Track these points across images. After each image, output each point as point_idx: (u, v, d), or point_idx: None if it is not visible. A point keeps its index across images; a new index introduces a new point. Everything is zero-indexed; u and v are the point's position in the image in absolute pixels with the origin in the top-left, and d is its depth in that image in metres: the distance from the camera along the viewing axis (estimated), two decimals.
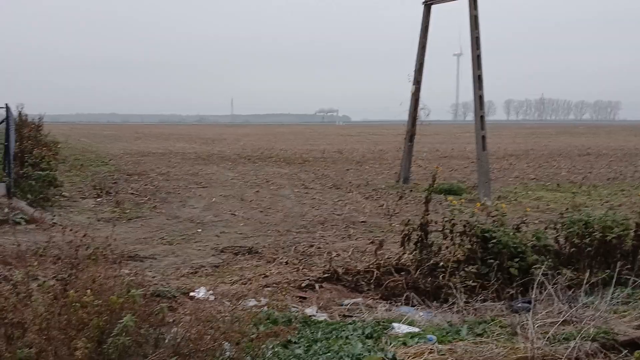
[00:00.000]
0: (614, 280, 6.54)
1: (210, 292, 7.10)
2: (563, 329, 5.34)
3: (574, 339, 4.97)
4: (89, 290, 3.86)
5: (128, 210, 13.88)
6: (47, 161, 17.67)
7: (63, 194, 15.40)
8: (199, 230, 11.87)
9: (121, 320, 3.56)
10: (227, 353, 4.03)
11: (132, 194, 16.77)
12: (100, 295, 3.87)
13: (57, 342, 3.57)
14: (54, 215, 12.20)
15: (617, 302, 6.26)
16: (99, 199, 15.37)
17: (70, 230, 7.54)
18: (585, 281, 6.49)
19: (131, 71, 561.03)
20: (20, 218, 11.44)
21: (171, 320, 4.39)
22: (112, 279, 4.21)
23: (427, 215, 7.91)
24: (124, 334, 3.53)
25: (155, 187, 18.51)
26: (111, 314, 3.71)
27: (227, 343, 4.02)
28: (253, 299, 6.80)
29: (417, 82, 20.36)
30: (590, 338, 5.09)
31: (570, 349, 4.73)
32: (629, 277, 6.98)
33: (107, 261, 4.80)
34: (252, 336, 4.17)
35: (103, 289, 4.02)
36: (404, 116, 21.11)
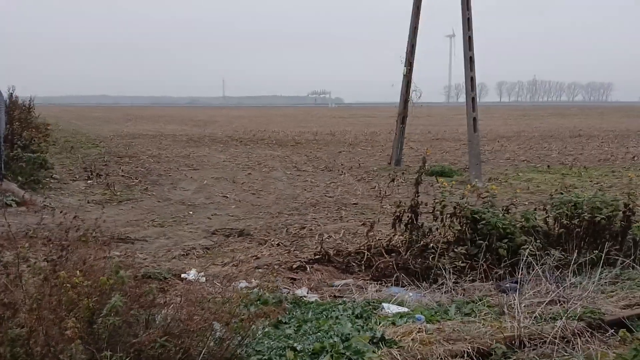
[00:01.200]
0: (602, 260, 6.61)
1: (201, 273, 7.13)
2: (550, 309, 5.41)
3: (561, 318, 5.03)
4: (79, 272, 3.88)
5: (119, 193, 13.86)
6: (38, 143, 17.60)
7: (54, 176, 15.35)
8: (190, 212, 11.88)
9: (111, 301, 3.58)
10: (218, 333, 4.06)
11: (122, 176, 16.73)
12: (91, 276, 3.89)
13: (48, 322, 3.59)
14: (45, 197, 12.17)
15: (605, 282, 6.33)
16: (89, 181, 15.33)
17: (61, 212, 7.54)
18: (573, 261, 6.56)
19: (122, 53, 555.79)
20: (11, 200, 11.41)
21: (162, 301, 4.41)
22: (102, 261, 4.23)
23: (418, 197, 7.95)
24: (113, 314, 3.55)
25: (146, 169, 18.46)
26: (101, 294, 3.73)
27: (217, 323, 4.06)
28: (244, 281, 6.84)
29: (409, 63, 20.31)
30: (577, 317, 5.16)
31: (556, 328, 4.79)
32: (617, 257, 7.05)
33: (97, 243, 4.82)
34: (242, 317, 4.20)
35: (93, 270, 4.03)
36: (397, 98, 21.09)
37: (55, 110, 61.68)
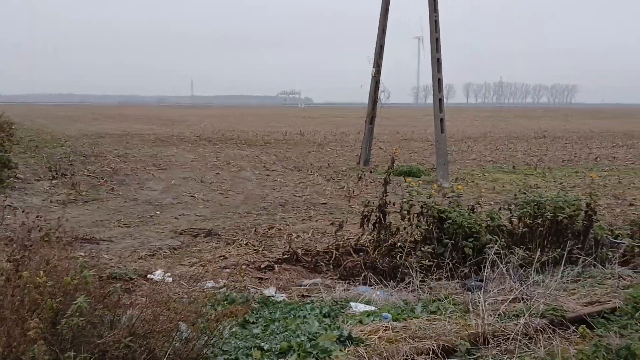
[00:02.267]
0: (564, 259, 6.75)
1: (168, 274, 7.06)
2: (514, 306, 5.52)
3: (524, 315, 5.13)
4: (42, 272, 3.82)
5: (84, 193, 13.64)
6: (1, 142, 17.20)
7: (17, 175, 15.02)
8: (158, 212, 11.76)
9: (75, 302, 3.54)
10: (184, 334, 4.04)
11: (88, 175, 16.48)
12: (54, 276, 3.83)
13: (10, 322, 3.53)
14: (6, 197, 11.91)
15: (567, 280, 6.48)
16: (54, 181, 15.06)
17: (24, 212, 7.40)
18: (536, 260, 6.70)
19: (89, 52, 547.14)
20: None
21: (127, 302, 4.37)
22: (65, 261, 4.17)
23: (386, 196, 8.01)
24: (77, 315, 3.51)
25: (113, 169, 18.22)
26: (65, 295, 3.68)
27: (183, 324, 4.04)
28: (211, 281, 6.81)
29: (378, 64, 20.43)
30: (539, 315, 5.27)
31: (519, 325, 4.88)
32: (579, 256, 7.22)
33: (60, 243, 4.75)
34: (209, 317, 4.18)
35: (57, 270, 3.98)
36: (366, 99, 21.19)
37: (20, 109, 60.45)
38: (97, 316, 3.80)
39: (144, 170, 18.30)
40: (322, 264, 7.78)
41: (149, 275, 6.96)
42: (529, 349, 4.57)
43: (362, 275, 7.12)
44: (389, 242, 7.71)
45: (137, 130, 38.15)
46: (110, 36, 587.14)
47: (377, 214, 7.99)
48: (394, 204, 8.20)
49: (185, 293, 5.22)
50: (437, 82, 17.39)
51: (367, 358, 4.37)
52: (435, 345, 4.58)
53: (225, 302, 5.63)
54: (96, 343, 3.63)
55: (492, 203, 11.75)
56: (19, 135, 25.60)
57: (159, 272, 7.09)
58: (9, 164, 15.05)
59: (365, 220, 8.07)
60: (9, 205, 11.16)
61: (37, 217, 6.37)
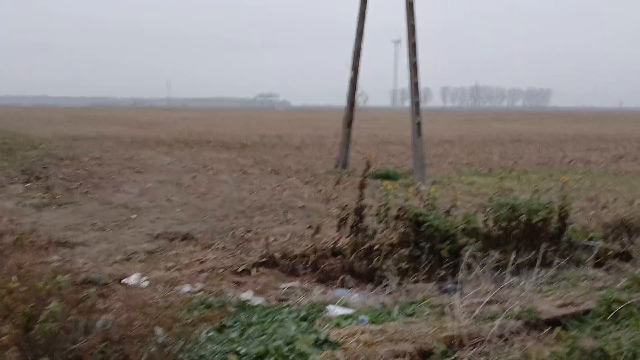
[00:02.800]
0: (539, 261, 6.84)
1: (144, 278, 7.00)
2: (489, 308, 5.57)
3: (499, 317, 5.19)
4: (15, 277, 3.77)
5: (59, 196, 13.45)
6: None
7: None
8: (133, 216, 11.64)
9: (48, 307, 3.49)
10: (160, 338, 4.01)
11: (63, 179, 16.24)
12: (27, 281, 3.78)
13: None
14: None
15: (542, 282, 6.56)
16: (28, 184, 14.82)
17: None
18: (511, 262, 6.77)
19: (62, 54, 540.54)
20: None
21: (102, 307, 4.33)
22: (39, 265, 4.12)
23: (362, 200, 8.05)
24: (51, 320, 3.47)
25: (88, 172, 17.99)
26: (38, 300, 3.64)
27: (159, 328, 4.01)
28: (188, 285, 6.76)
29: (355, 68, 20.49)
30: (514, 316, 5.33)
31: (494, 327, 4.93)
32: (553, 258, 7.33)
33: (34, 247, 4.68)
34: (185, 321, 4.16)
35: (30, 275, 3.93)
36: (344, 102, 21.24)
37: None
38: (71, 321, 3.75)
39: (119, 173, 18.10)
40: (300, 267, 7.79)
41: (124, 280, 6.88)
42: (504, 351, 4.61)
43: (340, 278, 7.14)
44: (367, 245, 7.74)
45: (113, 132, 37.73)
46: (84, 37, 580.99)
47: (354, 217, 8.02)
48: (370, 207, 8.23)
49: (162, 298, 5.19)
50: (414, 86, 17.49)
51: None
52: (412, 347, 4.61)
53: (201, 306, 5.60)
54: (70, 349, 3.59)
55: (469, 206, 11.84)
56: None
57: (134, 276, 7.02)
58: None
59: (342, 223, 8.10)
60: None
61: (9, 220, 6.26)
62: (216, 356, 4.51)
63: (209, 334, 4.84)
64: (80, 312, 3.88)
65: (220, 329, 5.15)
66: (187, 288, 6.59)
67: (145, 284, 6.72)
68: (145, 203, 13.17)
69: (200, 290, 6.46)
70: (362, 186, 8.22)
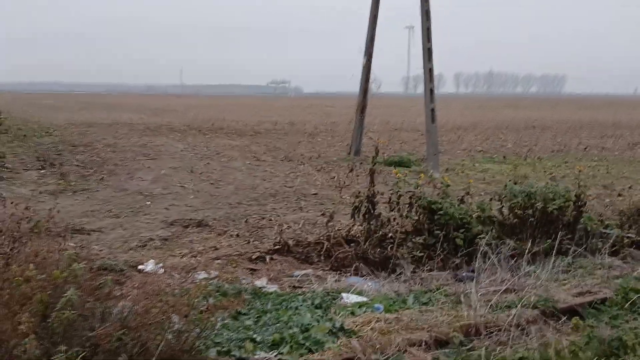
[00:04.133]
0: (555, 249, 6.79)
1: (159, 265, 7.04)
2: (505, 297, 5.54)
3: (516, 306, 5.16)
4: (31, 265, 3.78)
5: (73, 183, 13.54)
6: None
7: (5, 165, 14.90)
8: (148, 203, 11.69)
9: (65, 295, 3.50)
10: (176, 326, 4.01)
11: (77, 165, 16.35)
12: (44, 269, 3.79)
13: (0, 316, 3.50)
14: None
15: (558, 271, 6.51)
16: (42, 171, 14.93)
17: (12, 202, 7.32)
18: (527, 251, 6.73)
19: (75, 40, 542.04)
20: None
21: (119, 294, 4.34)
22: (55, 253, 4.13)
23: (373, 187, 8.01)
24: (68, 308, 3.48)
25: (102, 158, 18.09)
26: (55, 288, 3.65)
27: (175, 316, 4.01)
28: (203, 272, 6.78)
29: (369, 54, 20.37)
30: (531, 305, 5.29)
31: (511, 316, 4.90)
32: (569, 246, 7.26)
33: (50, 234, 4.71)
34: (201, 308, 4.16)
35: (47, 262, 3.94)
36: (356, 88, 21.15)
37: (6, 97, 59.81)
38: (88, 309, 3.76)
39: (133, 160, 18.18)
40: (313, 254, 7.78)
41: (140, 267, 6.92)
42: (521, 340, 4.59)
43: (354, 266, 7.13)
44: (380, 233, 7.72)
45: (126, 119, 37.85)
46: (98, 24, 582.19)
47: (367, 205, 7.99)
48: (383, 195, 8.20)
49: (177, 284, 5.20)
50: (428, 72, 17.37)
51: (360, 349, 4.36)
52: (427, 336, 4.59)
53: (217, 293, 5.61)
54: (88, 336, 3.61)
55: (483, 194, 11.79)
56: (7, 124, 25.34)
57: (150, 263, 7.05)
58: None
59: (356, 211, 8.07)
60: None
61: (26, 207, 6.29)
62: (232, 343, 4.52)
63: (225, 321, 4.86)
64: (97, 300, 3.88)
65: (236, 316, 5.16)
66: (202, 275, 6.61)
67: (161, 270, 6.75)
68: (159, 190, 13.23)
69: (215, 277, 6.47)
70: (372, 173, 8.17)
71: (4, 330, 3.41)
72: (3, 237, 5.18)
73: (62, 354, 3.33)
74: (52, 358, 3.31)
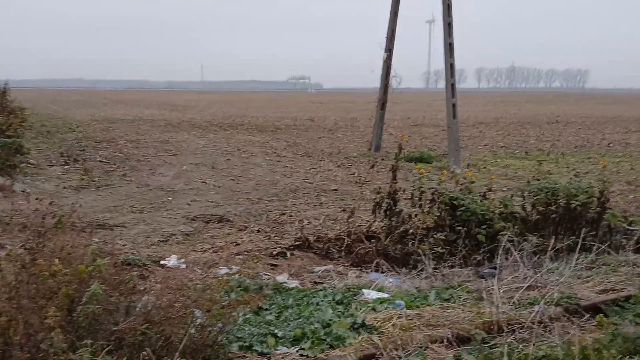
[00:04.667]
0: (579, 246, 6.70)
1: (182, 260, 7.10)
2: (528, 294, 5.50)
3: (538, 303, 5.12)
4: (57, 259, 3.83)
5: (97, 178, 13.71)
6: (14, 128, 17.26)
7: (30, 161, 15.10)
8: (170, 198, 11.80)
9: (90, 289, 3.55)
10: (198, 320, 4.05)
11: (100, 161, 16.54)
12: (69, 264, 3.85)
13: (27, 310, 3.56)
14: (14, 182, 11.97)
15: (581, 267, 6.44)
16: (66, 167, 15.14)
17: (37, 198, 7.43)
18: (550, 247, 6.66)
19: (98, 36, 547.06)
20: None
21: (142, 288, 4.38)
22: (80, 248, 4.19)
23: (395, 183, 7.99)
24: (93, 302, 3.53)
25: (125, 154, 18.27)
26: (80, 282, 3.70)
27: (198, 310, 4.04)
28: (224, 267, 6.83)
29: (389, 49, 20.30)
30: (554, 302, 5.25)
31: (534, 313, 4.86)
32: (593, 243, 7.17)
33: (74, 229, 4.76)
34: (223, 303, 4.19)
35: (72, 257, 3.99)
36: (376, 84, 21.09)
37: (30, 94, 60.57)
38: (113, 303, 3.81)
39: (155, 155, 18.34)
40: (334, 250, 7.79)
41: (162, 262, 6.99)
42: (544, 337, 4.55)
43: (374, 262, 7.12)
44: (401, 229, 7.69)
45: (148, 115, 38.14)
46: (120, 20, 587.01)
47: (388, 201, 7.97)
48: (404, 191, 8.17)
49: (199, 279, 5.24)
50: (450, 67, 17.26)
51: (381, 346, 4.37)
52: (449, 333, 4.57)
53: (238, 288, 5.64)
54: (112, 330, 3.65)
55: (505, 189, 11.69)
56: (31, 120, 25.63)
57: (172, 258, 7.12)
58: (21, 149, 15.10)
59: (376, 207, 8.05)
60: (22, 191, 11.25)
61: (50, 203, 6.39)
62: (254, 338, 4.55)
63: (246, 316, 4.89)
64: (121, 294, 3.93)
65: (257, 311, 5.19)
66: (223, 270, 6.65)
67: (183, 265, 6.81)
68: (181, 185, 13.34)
69: (236, 273, 6.51)
70: (394, 169, 8.15)
71: (31, 323, 3.46)
72: (28, 232, 5.26)
73: (87, 348, 3.37)
74: (78, 351, 3.36)
